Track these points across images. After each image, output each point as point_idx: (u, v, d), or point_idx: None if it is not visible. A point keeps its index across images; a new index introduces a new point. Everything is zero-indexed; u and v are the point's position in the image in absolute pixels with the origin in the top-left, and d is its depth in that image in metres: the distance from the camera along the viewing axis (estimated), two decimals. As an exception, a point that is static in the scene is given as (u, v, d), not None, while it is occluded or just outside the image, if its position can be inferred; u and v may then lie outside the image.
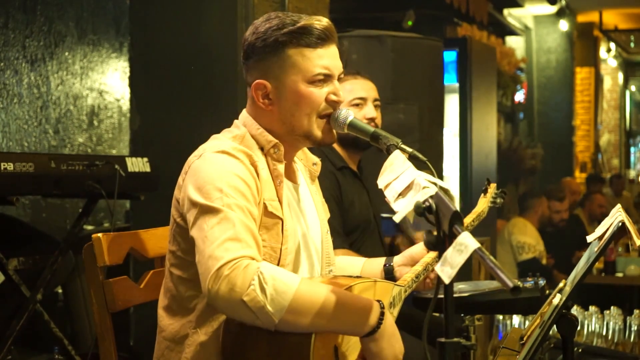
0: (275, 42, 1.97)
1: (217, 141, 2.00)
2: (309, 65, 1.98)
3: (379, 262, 2.35)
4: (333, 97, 2.02)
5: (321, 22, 2.00)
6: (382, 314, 1.83)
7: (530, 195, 7.53)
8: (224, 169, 1.89)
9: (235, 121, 2.09)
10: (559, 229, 7.16)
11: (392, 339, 1.86)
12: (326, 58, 2.00)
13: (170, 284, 2.01)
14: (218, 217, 1.81)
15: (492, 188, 2.63)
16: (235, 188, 1.86)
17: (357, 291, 1.91)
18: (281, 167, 2.01)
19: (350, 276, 2.02)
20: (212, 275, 1.73)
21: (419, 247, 2.30)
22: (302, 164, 2.21)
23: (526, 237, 6.59)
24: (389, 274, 2.29)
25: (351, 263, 2.40)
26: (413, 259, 2.28)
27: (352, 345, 1.91)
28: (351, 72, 3.18)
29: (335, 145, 3.13)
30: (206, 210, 1.83)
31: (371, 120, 3.12)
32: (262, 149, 2.01)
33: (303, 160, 2.22)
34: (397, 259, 2.32)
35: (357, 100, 3.12)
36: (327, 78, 2.01)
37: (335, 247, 2.85)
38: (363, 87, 3.15)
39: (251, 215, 1.86)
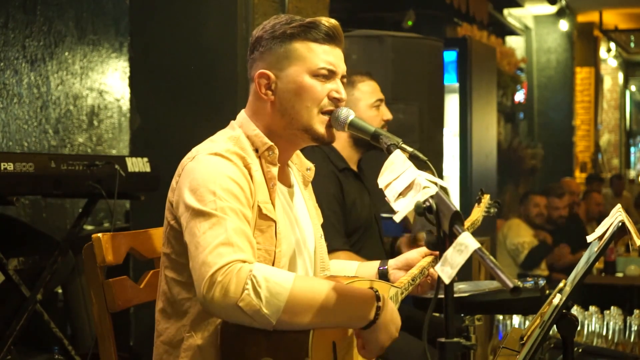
0: (283, 34, 2.00)
1: (211, 143, 2.00)
2: (313, 59, 2.00)
3: (373, 265, 2.36)
4: (335, 94, 2.02)
5: (330, 21, 2.04)
6: (378, 307, 1.83)
7: (529, 194, 7.53)
8: (217, 171, 1.89)
9: (232, 122, 2.09)
10: (559, 227, 7.15)
11: (389, 325, 1.87)
12: (331, 55, 2.03)
13: (164, 287, 2.00)
14: (210, 221, 1.81)
15: (486, 199, 2.65)
16: (228, 191, 1.86)
17: None
18: (275, 170, 2.01)
19: (347, 276, 2.03)
20: (206, 282, 1.74)
21: (414, 253, 2.31)
22: (296, 168, 2.21)
23: (520, 237, 6.62)
24: (384, 277, 2.30)
25: (345, 267, 2.40)
26: (408, 264, 2.28)
27: (350, 342, 1.92)
28: (362, 73, 3.19)
29: (337, 146, 3.13)
30: (198, 214, 1.83)
31: (387, 121, 3.15)
32: (256, 150, 2.01)
33: (297, 165, 2.21)
34: (391, 263, 2.32)
35: (379, 102, 3.15)
36: (330, 74, 2.02)
37: (337, 248, 2.86)
38: (378, 88, 3.19)
39: (245, 218, 1.86)
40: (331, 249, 2.78)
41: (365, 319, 1.82)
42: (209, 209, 1.83)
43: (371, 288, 1.87)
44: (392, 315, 1.89)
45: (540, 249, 6.60)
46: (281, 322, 1.74)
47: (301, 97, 2.00)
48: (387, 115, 3.17)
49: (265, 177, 1.99)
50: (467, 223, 2.50)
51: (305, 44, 2.00)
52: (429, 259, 2.25)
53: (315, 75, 2.00)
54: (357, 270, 2.38)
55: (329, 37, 2.02)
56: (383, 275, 2.30)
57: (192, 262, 1.81)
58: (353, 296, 1.84)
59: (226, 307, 1.73)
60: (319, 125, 2.02)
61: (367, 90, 3.13)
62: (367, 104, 3.12)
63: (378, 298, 1.84)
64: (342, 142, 3.12)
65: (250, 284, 1.72)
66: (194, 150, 1.99)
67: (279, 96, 2.01)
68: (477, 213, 2.58)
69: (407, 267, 2.27)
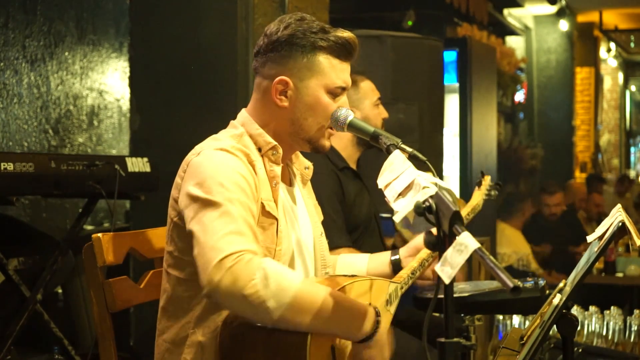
0: (312, 45, 2.00)
1: (215, 141, 2.00)
2: (333, 77, 2.02)
3: (385, 256, 2.38)
4: None
5: (354, 39, 2.05)
6: (377, 322, 1.84)
7: (517, 198, 7.49)
8: (224, 164, 1.89)
9: (232, 121, 2.09)
10: (553, 223, 7.13)
11: (383, 348, 1.88)
12: (346, 73, 2.06)
13: (166, 285, 2.00)
14: (219, 210, 1.80)
15: (487, 180, 2.63)
16: (235, 183, 1.86)
17: (354, 290, 1.91)
18: (278, 169, 2.02)
19: (346, 275, 2.03)
20: (215, 267, 1.72)
21: (422, 238, 2.31)
22: (295, 167, 2.22)
23: (502, 247, 6.58)
24: (397, 267, 2.32)
25: (356, 259, 2.41)
26: (418, 250, 2.31)
27: (349, 346, 1.92)
28: (358, 72, 3.20)
29: (336, 145, 3.13)
30: (207, 204, 1.82)
31: (385, 119, 3.17)
32: (259, 149, 2.01)
33: (295, 164, 2.22)
34: (402, 251, 2.35)
35: (378, 101, 3.17)
36: (342, 92, 2.06)
37: (340, 245, 2.87)
38: (375, 87, 3.20)
39: (251, 211, 1.86)
40: (334, 246, 2.79)
41: (363, 331, 1.83)
42: (218, 199, 1.82)
43: (374, 308, 1.87)
44: (386, 339, 1.90)
45: (519, 271, 6.56)
46: (282, 319, 1.74)
47: (315, 112, 2.02)
48: (385, 113, 3.20)
49: (268, 175, 2.00)
50: (468, 208, 2.49)
51: (328, 59, 2.02)
52: (429, 251, 2.26)
53: (331, 92, 2.03)
54: (368, 262, 2.39)
55: (350, 55, 2.05)
56: (396, 265, 2.33)
57: (199, 247, 1.78)
58: (355, 308, 1.84)
59: (232, 294, 1.71)
60: (324, 139, 2.06)
61: (369, 89, 3.16)
62: (371, 102, 3.14)
63: (378, 314, 1.85)
64: (344, 142, 3.13)
65: (261, 274, 1.71)
66: (198, 147, 1.99)
67: (292, 104, 2.02)
68: (478, 197, 2.56)
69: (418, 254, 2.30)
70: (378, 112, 3.16)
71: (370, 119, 3.02)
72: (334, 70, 2.02)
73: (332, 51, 2.01)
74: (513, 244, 6.68)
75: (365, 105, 3.12)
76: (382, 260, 2.37)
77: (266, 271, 1.72)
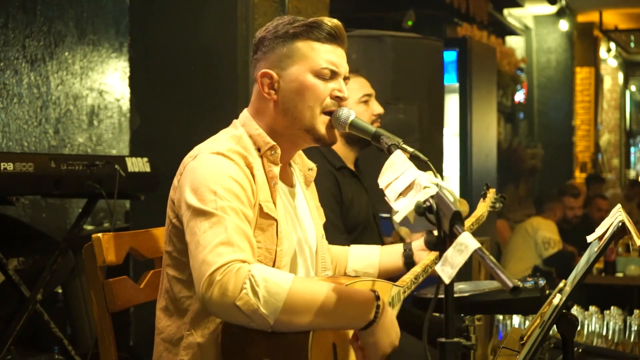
0: (286, 34, 2.00)
1: (213, 142, 2.00)
2: (316, 58, 2.00)
3: (397, 248, 2.39)
4: (338, 93, 2.03)
5: (332, 21, 2.05)
6: (378, 306, 1.83)
7: (548, 197, 7.49)
8: (218, 170, 1.89)
9: (235, 121, 2.09)
10: (573, 227, 7.13)
11: (389, 329, 1.87)
12: (334, 55, 2.03)
13: (166, 285, 2.01)
14: (210, 220, 1.81)
15: (492, 193, 2.65)
16: (229, 190, 1.86)
17: None
18: (276, 169, 2.01)
19: (349, 276, 2.03)
20: (205, 281, 1.74)
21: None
22: (298, 168, 2.22)
23: (552, 233, 6.64)
24: (409, 259, 2.34)
25: (369, 251, 2.42)
26: None
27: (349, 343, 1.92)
28: (351, 70, 3.19)
29: (333, 145, 3.13)
30: (199, 213, 1.83)
31: (379, 115, 3.16)
32: (259, 150, 2.01)
33: (299, 165, 2.22)
34: (415, 244, 2.37)
35: (366, 97, 3.16)
36: (333, 75, 2.03)
37: (338, 244, 2.87)
38: (367, 84, 3.19)
39: (245, 217, 1.86)
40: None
41: (365, 318, 1.82)
42: (210, 208, 1.83)
43: (373, 291, 1.86)
44: (391, 320, 1.89)
45: (568, 257, 6.58)
46: (279, 323, 1.74)
47: (304, 96, 2.00)
48: (378, 109, 3.17)
49: (267, 176, 1.99)
50: (472, 219, 2.50)
51: (307, 43, 2.00)
52: (432, 256, 2.26)
53: (318, 74, 2.00)
54: (380, 253, 2.41)
55: (332, 37, 2.02)
56: (408, 257, 2.35)
57: (192, 260, 1.81)
58: (352, 296, 1.83)
59: (224, 306, 1.73)
60: (321, 125, 2.03)
61: (353, 87, 3.14)
62: (353, 100, 3.13)
63: (377, 298, 1.84)
64: (337, 141, 3.13)
65: (249, 283, 1.72)
66: (196, 149, 1.99)
67: (281, 95, 2.01)
68: (483, 208, 2.57)
69: None
70: (365, 109, 3.14)
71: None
72: (315, 52, 2.00)
73: (308, 35, 2.00)
74: (558, 235, 6.70)
75: (348, 102, 3.12)
76: (394, 252, 2.38)
77: (255, 279, 1.73)
